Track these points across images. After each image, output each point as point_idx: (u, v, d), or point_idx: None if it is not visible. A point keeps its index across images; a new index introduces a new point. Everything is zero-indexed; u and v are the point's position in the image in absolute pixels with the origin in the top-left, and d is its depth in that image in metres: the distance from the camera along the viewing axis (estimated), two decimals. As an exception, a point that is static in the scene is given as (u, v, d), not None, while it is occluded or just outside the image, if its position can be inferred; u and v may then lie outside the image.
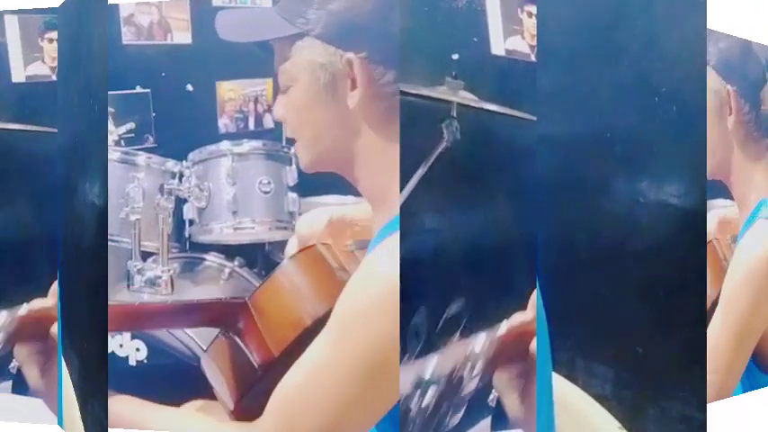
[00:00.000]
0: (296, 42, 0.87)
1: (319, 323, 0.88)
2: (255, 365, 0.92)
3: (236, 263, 1.12)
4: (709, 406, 1.16)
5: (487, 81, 0.98)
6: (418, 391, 0.87)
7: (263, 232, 1.08)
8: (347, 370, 0.83)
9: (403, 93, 0.89)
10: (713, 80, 1.26)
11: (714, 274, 1.29)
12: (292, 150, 1.09)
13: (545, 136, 1.02)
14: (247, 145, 1.08)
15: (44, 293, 1.13)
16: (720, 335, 1.24)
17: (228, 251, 1.12)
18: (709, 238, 1.31)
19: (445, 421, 0.92)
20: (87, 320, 1.02)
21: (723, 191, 1.37)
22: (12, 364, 1.16)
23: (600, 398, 1.04)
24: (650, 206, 1.02)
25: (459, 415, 0.93)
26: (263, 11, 0.89)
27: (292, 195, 1.08)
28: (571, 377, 1.05)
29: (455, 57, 0.95)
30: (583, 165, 1.03)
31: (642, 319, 1.02)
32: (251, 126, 1.13)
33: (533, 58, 1.02)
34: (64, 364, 1.14)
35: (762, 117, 1.36)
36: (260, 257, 1.12)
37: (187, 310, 0.97)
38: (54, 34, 1.17)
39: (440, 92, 0.94)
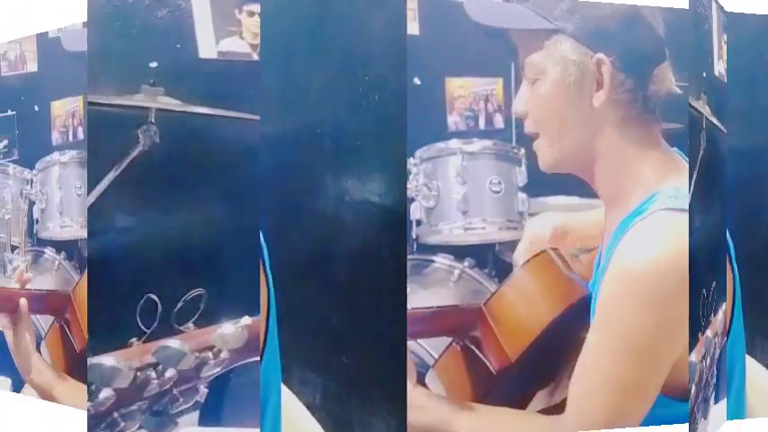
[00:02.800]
0: (551, 37, 0.95)
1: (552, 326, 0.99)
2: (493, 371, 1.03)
3: (466, 264, 1.18)
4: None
5: (196, 85, 1.00)
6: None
7: (494, 232, 1.16)
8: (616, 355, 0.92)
9: (91, 103, 0.97)
10: (571, 49, 1.02)
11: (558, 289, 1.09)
12: (521, 151, 1.16)
13: (266, 134, 1.00)
14: (479, 144, 1.16)
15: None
16: (606, 354, 1.04)
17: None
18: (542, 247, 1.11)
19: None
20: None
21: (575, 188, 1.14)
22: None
23: (312, 407, 0.99)
24: (354, 205, 0.93)
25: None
26: (513, 6, 1.00)
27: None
28: (288, 384, 1.01)
29: (153, 65, 0.99)
30: (298, 162, 0.98)
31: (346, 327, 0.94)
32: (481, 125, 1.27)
33: (256, 57, 1.01)
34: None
35: (656, 98, 1.09)
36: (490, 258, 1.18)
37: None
38: (255, 6, 1.02)
39: (135, 99, 0.99)
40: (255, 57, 1.03)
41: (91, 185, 0.98)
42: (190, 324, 1.00)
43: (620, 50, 1.01)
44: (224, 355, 1.00)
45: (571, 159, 0.98)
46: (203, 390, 1.00)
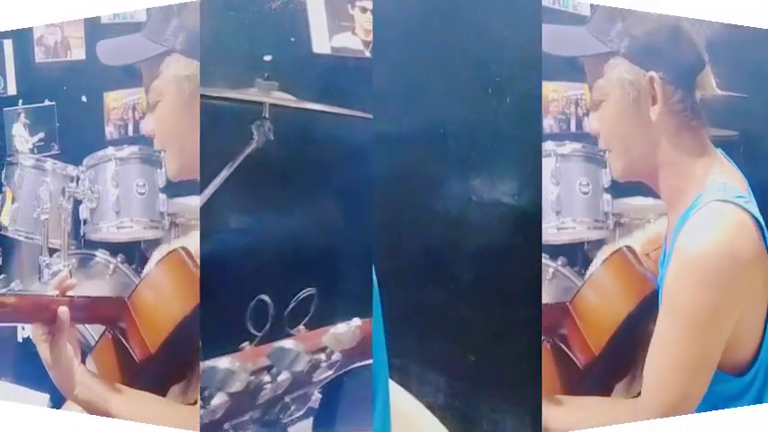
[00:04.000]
0: (608, 60, 1.00)
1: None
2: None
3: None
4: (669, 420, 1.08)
5: (310, 80, 0.97)
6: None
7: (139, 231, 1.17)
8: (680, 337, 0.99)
9: (204, 96, 0.92)
10: (623, 69, 1.13)
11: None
12: (162, 155, 1.16)
13: (381, 134, 0.99)
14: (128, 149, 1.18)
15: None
16: (673, 336, 1.12)
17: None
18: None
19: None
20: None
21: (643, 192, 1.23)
22: None
23: (433, 407, 0.99)
24: (482, 205, 0.95)
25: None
26: (580, 31, 1.01)
27: (161, 197, 1.16)
28: (405, 384, 1.01)
29: (268, 58, 0.96)
30: (416, 162, 0.98)
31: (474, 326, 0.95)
32: (130, 132, 1.22)
33: (368, 54, 1.00)
34: None
35: (701, 104, 1.19)
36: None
37: None
38: (368, 3, 1.02)
39: (248, 94, 0.95)
40: (368, 54, 1.01)
41: (204, 183, 0.92)
42: (301, 326, 0.96)
43: (667, 64, 1.11)
44: (336, 357, 0.97)
45: (637, 169, 1.07)
46: (316, 395, 0.97)
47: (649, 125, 1.09)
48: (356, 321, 0.98)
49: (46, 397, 1.26)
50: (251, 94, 0.95)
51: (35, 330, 1.02)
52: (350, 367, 0.98)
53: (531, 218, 0.91)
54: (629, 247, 1.13)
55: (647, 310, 1.15)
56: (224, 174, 0.95)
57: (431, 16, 0.96)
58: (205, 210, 0.91)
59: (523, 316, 0.90)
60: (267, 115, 0.95)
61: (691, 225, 1.09)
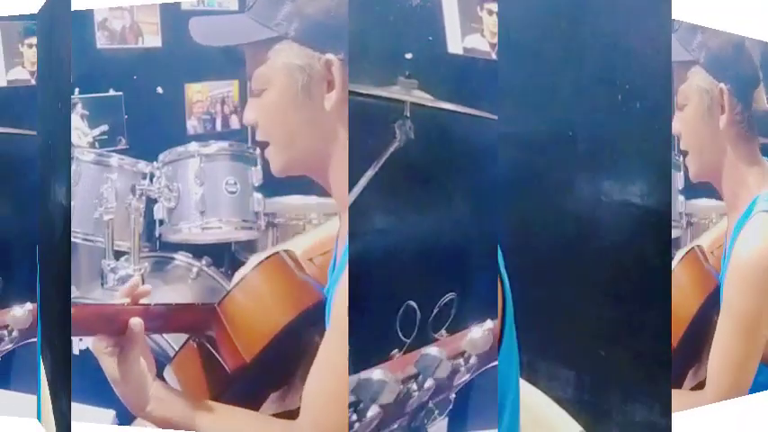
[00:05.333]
0: (691, 68, 1.02)
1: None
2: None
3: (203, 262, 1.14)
4: (724, 404, 1.17)
5: (444, 80, 0.97)
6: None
7: (230, 232, 1.10)
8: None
9: (352, 93, 0.90)
10: (702, 78, 1.25)
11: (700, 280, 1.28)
12: (257, 151, 1.10)
13: (506, 135, 1.01)
14: (215, 146, 1.10)
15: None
16: (727, 333, 1.23)
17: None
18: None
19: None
20: (56, 318, 1.05)
21: (708, 194, 1.34)
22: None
23: (561, 401, 1.03)
24: (612, 205, 1.00)
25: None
26: (236, 16, 0.92)
27: (257, 195, 1.10)
28: (533, 380, 1.04)
29: (409, 56, 0.95)
30: (546, 163, 1.02)
31: (605, 321, 1.00)
32: (218, 127, 1.15)
33: (494, 56, 1.01)
34: (42, 360, 1.18)
35: (754, 117, 1.33)
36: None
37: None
38: (33, 40, 1.20)
39: (392, 91, 0.94)
40: (494, 56, 1.02)
41: (352, 182, 0.88)
42: (443, 331, 0.95)
43: (733, 78, 1.23)
44: (473, 360, 0.97)
45: (707, 171, 1.20)
46: (452, 397, 0.96)
47: (718, 132, 1.22)
48: (489, 324, 0.99)
49: (110, 413, 1.16)
50: (394, 92, 0.93)
51: (98, 343, 0.91)
52: (483, 369, 0.98)
53: (659, 217, 0.97)
54: (287, 251, 1.06)
55: (711, 305, 1.26)
56: (369, 173, 0.92)
57: (557, 20, 0.99)
58: (353, 210, 0.88)
59: (653, 311, 0.96)
60: (408, 114, 0.94)
61: (744, 233, 1.22)
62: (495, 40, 1.04)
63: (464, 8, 0.99)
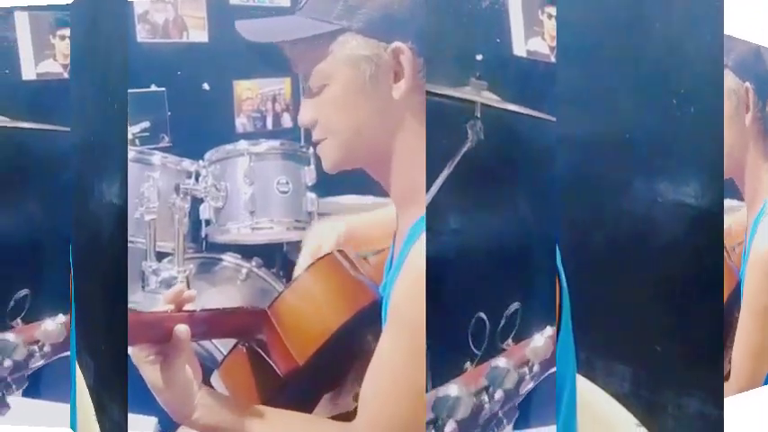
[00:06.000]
0: (336, 38, 0.86)
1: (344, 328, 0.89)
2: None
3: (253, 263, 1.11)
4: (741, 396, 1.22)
5: (509, 82, 0.99)
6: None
7: (281, 232, 1.08)
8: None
9: (429, 93, 0.90)
10: (730, 80, 1.33)
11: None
12: (310, 150, 1.09)
13: (564, 136, 1.03)
14: (266, 144, 1.08)
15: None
16: (747, 327, 1.29)
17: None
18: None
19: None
20: (105, 323, 1.01)
21: (733, 191, 1.40)
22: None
23: (618, 396, 1.06)
24: (667, 206, 1.03)
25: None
26: (288, 17, 0.88)
27: (311, 195, 1.08)
28: (590, 376, 1.06)
29: (479, 57, 0.96)
30: (603, 165, 1.05)
31: (660, 318, 1.04)
32: (269, 126, 1.12)
33: (553, 59, 1.03)
34: (78, 367, 1.12)
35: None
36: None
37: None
38: (66, 31, 1.15)
39: (465, 92, 0.95)
40: (552, 59, 1.03)
41: (428, 182, 0.88)
42: (509, 340, 0.95)
43: (754, 79, 1.31)
44: (536, 368, 0.98)
45: (732, 168, 1.26)
46: (518, 405, 0.96)
47: (743, 129, 1.32)
48: (549, 331, 1.00)
49: (152, 420, 1.11)
50: (467, 93, 0.94)
51: (139, 352, 0.88)
52: (545, 375, 0.99)
53: (712, 217, 1.00)
54: (341, 252, 1.04)
55: (733, 302, 1.32)
56: (445, 173, 0.92)
57: (614, 26, 1.02)
58: (430, 210, 0.88)
59: (705, 308, 0.99)
60: (479, 115, 0.95)
61: (761, 228, 1.31)
62: (554, 44, 1.06)
63: (527, 11, 1.01)
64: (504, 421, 0.94)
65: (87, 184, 1.08)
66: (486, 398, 0.90)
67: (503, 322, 0.93)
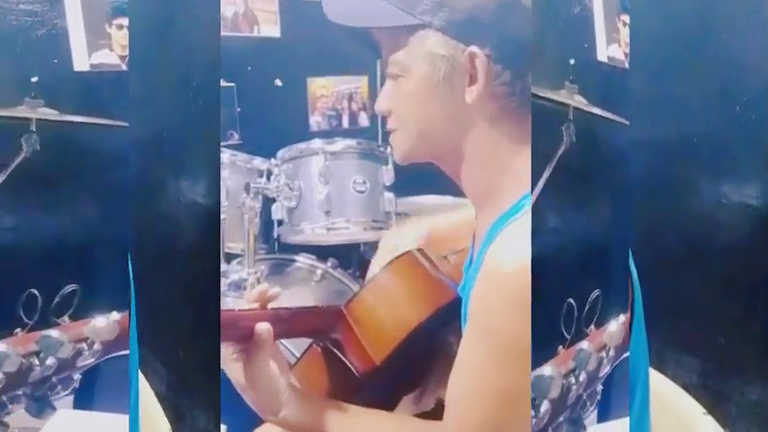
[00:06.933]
0: (416, 32, 0.85)
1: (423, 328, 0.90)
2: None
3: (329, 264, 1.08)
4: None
5: (595, 86, 1.02)
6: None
7: (358, 232, 1.05)
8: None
9: (533, 96, 0.91)
10: None
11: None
12: (388, 150, 1.07)
13: (636, 140, 1.07)
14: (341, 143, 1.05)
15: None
16: None
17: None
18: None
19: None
20: (187, 327, 0.96)
21: None
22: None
23: (686, 386, 1.12)
24: (732, 207, 1.10)
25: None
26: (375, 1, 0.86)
27: (389, 195, 1.07)
28: (660, 368, 1.12)
29: (572, 62, 0.98)
30: (673, 166, 1.10)
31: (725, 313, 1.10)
32: (345, 124, 1.09)
33: (626, 66, 1.07)
34: (141, 374, 1.06)
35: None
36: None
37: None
38: (123, 21, 1.08)
39: (561, 95, 0.97)
40: (627, 65, 1.06)
41: (534, 183, 0.88)
42: (592, 325, 0.98)
43: None
44: (612, 353, 1.01)
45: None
46: (599, 389, 0.99)
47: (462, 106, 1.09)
48: (622, 318, 1.04)
49: (222, 428, 1.07)
50: (561, 96, 0.95)
51: (223, 350, 0.85)
52: (619, 359, 1.03)
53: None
54: (420, 251, 1.02)
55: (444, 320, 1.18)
56: (546, 173, 0.93)
57: (686, 36, 1.07)
58: (534, 210, 0.89)
59: (766, 302, 1.06)
60: (572, 117, 0.96)
61: None
62: (628, 50, 1.10)
63: (608, 18, 1.04)
64: (588, 403, 0.98)
65: (154, 181, 1.02)
66: (573, 379, 0.93)
67: (587, 308, 0.97)
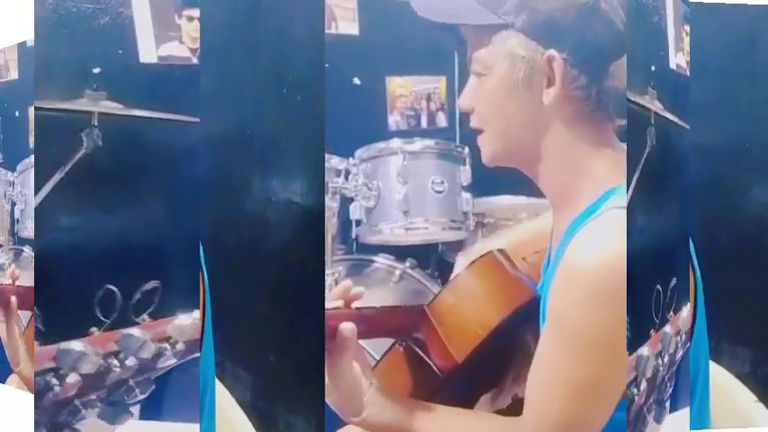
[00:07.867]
0: (499, 32, 0.87)
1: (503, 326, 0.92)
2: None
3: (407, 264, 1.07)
4: None
5: (667, 92, 1.06)
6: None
7: (437, 232, 1.05)
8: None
9: (38, 108, 0.91)
10: None
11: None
12: (466, 150, 1.08)
13: (695, 143, 1.14)
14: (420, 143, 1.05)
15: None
16: None
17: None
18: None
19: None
20: (280, 330, 0.93)
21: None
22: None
23: (740, 376, 1.19)
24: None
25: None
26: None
27: (466, 195, 1.07)
28: (717, 359, 1.18)
29: (653, 68, 1.02)
30: (727, 169, 1.17)
31: None
32: (423, 124, 1.09)
33: (195, 61, 1.01)
34: (217, 382, 1.01)
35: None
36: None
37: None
38: (194, 12, 1.03)
39: (645, 101, 1.00)
40: (687, 72, 1.12)
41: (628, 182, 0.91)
42: (671, 312, 1.03)
43: None
44: (684, 338, 1.07)
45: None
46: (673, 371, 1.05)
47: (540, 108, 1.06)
48: (688, 306, 1.10)
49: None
50: (645, 101, 0.99)
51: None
52: (687, 346, 1.09)
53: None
54: (500, 251, 1.03)
55: (523, 319, 1.19)
56: (636, 175, 0.96)
57: (737, 45, 1.14)
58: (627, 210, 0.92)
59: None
60: (653, 122, 1.00)
61: None
62: (689, 58, 1.16)
63: (676, 28, 1.09)
64: (668, 385, 1.02)
65: (236, 180, 0.98)
66: (660, 361, 0.98)
67: (668, 295, 1.02)
